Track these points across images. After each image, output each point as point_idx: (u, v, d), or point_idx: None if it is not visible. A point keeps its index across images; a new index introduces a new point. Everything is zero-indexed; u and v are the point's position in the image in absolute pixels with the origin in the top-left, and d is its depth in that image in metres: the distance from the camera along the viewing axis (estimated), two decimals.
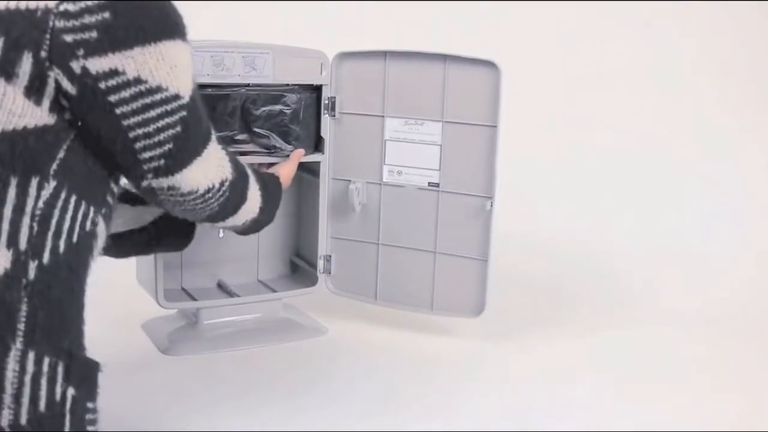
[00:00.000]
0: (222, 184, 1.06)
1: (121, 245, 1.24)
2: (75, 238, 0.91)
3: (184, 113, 0.96)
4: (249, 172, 1.16)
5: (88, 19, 0.87)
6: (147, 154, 0.95)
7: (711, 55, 2.27)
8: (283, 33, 1.78)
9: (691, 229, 2.05)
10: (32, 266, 0.86)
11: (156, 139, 0.94)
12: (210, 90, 1.38)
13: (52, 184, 0.88)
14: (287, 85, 1.45)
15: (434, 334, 1.54)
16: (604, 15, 2.32)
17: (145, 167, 0.96)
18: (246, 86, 1.42)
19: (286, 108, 1.44)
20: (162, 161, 0.96)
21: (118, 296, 1.56)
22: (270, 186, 1.25)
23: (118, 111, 0.91)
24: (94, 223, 0.94)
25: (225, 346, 1.47)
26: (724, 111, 2.23)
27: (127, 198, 1.21)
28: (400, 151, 1.49)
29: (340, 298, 1.58)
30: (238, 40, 1.42)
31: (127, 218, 1.23)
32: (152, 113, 0.93)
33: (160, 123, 0.94)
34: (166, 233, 1.28)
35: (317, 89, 1.49)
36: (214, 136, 1.05)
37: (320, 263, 1.56)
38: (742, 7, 2.23)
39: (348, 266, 1.56)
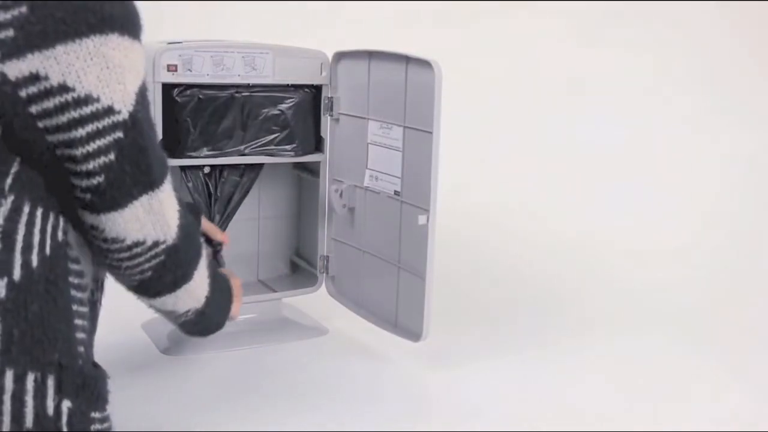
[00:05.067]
0: (155, 244, 0.89)
1: None
2: (48, 251, 0.82)
3: (119, 134, 0.81)
4: (203, 252, 1.00)
5: (2, 17, 0.76)
6: (74, 181, 0.83)
7: (704, 52, 2.28)
8: (283, 33, 1.78)
9: (684, 229, 2.05)
10: (2, 284, 0.79)
11: (83, 167, 0.81)
12: (211, 91, 1.38)
13: (10, 199, 0.79)
14: (287, 85, 1.45)
15: (434, 333, 1.53)
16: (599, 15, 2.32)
17: (71, 194, 0.84)
18: (246, 86, 1.42)
19: (287, 108, 1.45)
20: (87, 196, 0.83)
21: (118, 296, 1.56)
22: (221, 281, 1.09)
23: (40, 125, 0.78)
24: (66, 232, 0.85)
25: (225, 346, 1.47)
26: (718, 109, 2.23)
27: None
28: (379, 155, 1.43)
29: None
30: (238, 40, 1.42)
31: None
32: (81, 132, 0.79)
33: (90, 147, 0.80)
34: None
35: (317, 89, 1.49)
36: (168, 184, 0.89)
37: (319, 263, 1.56)
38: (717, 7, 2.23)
39: (345, 269, 1.55)
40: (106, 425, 0.88)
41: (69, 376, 0.83)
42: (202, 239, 1.01)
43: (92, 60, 0.78)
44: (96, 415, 0.86)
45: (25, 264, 0.80)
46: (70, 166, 0.81)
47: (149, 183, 0.86)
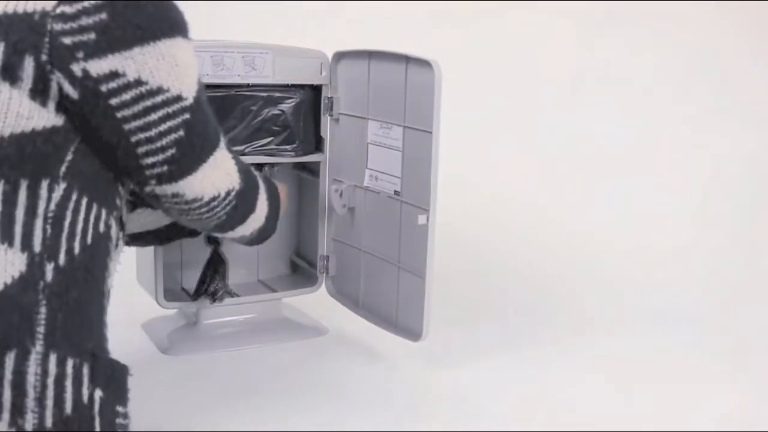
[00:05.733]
0: (228, 193, 1.04)
1: (132, 241, 1.27)
2: (89, 240, 0.90)
3: (187, 116, 0.94)
4: (260, 182, 1.15)
5: (85, 21, 0.86)
6: (149, 160, 0.93)
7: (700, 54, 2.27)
8: (283, 33, 1.78)
9: (685, 229, 2.05)
10: (49, 268, 0.85)
11: (158, 144, 0.92)
12: (212, 91, 1.38)
13: (62, 185, 0.88)
14: (287, 85, 1.45)
15: (434, 333, 1.53)
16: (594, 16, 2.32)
17: (148, 173, 0.95)
18: (246, 86, 1.42)
19: (287, 108, 1.45)
20: (165, 167, 0.94)
21: (118, 296, 1.55)
22: (274, 193, 1.23)
23: (119, 114, 0.89)
24: (108, 226, 0.93)
25: (225, 346, 1.47)
26: (718, 109, 2.23)
27: (148, 203, 1.19)
28: (379, 155, 1.43)
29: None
30: (238, 40, 1.43)
31: (144, 221, 1.23)
32: (154, 116, 0.91)
33: (162, 127, 0.92)
34: (178, 233, 1.29)
35: (317, 89, 1.49)
36: (222, 143, 1.03)
37: (319, 263, 1.56)
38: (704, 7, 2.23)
39: (345, 269, 1.55)
40: (126, 421, 0.91)
41: (100, 366, 0.88)
42: (256, 173, 1.15)
43: (164, 59, 0.90)
44: (120, 409, 0.90)
45: (69, 250, 0.88)
46: (147, 147, 0.92)
47: (212, 147, 0.99)
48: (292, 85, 1.46)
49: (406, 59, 1.34)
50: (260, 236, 1.21)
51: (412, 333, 1.38)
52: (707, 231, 2.03)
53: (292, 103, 1.45)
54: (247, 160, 1.44)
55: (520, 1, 2.35)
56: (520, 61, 2.36)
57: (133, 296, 1.50)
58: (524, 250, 1.99)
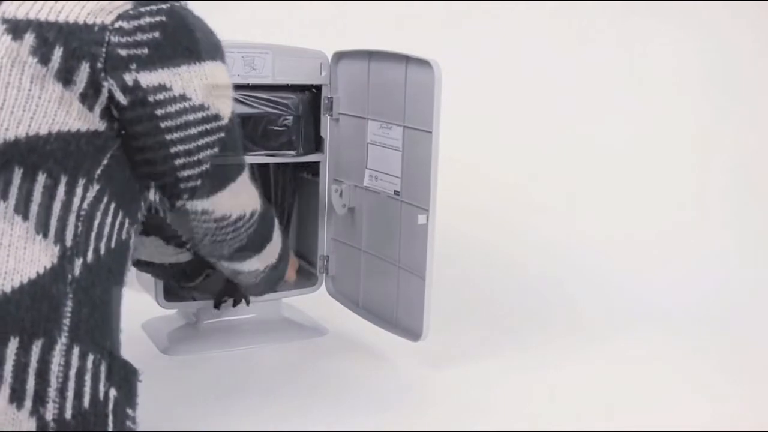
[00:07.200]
0: (252, 214, 1.10)
1: (134, 264, 1.30)
2: (113, 244, 0.95)
3: (222, 134, 1.00)
4: (274, 214, 1.20)
5: (140, 37, 0.93)
6: (185, 173, 0.99)
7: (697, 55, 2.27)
8: (283, 33, 1.78)
9: (685, 229, 2.05)
10: (77, 263, 0.90)
11: (195, 157, 0.99)
12: None
13: (96, 187, 0.92)
14: (287, 85, 1.45)
15: (434, 333, 1.53)
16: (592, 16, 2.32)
17: (182, 186, 1.00)
18: (246, 86, 1.42)
19: (287, 109, 1.45)
20: (198, 181, 1.00)
21: None
22: (286, 242, 1.27)
23: (162, 125, 0.95)
24: (129, 235, 0.98)
25: (225, 346, 1.47)
26: (716, 108, 2.23)
27: (163, 234, 1.25)
28: (379, 155, 1.43)
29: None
30: (238, 40, 1.42)
31: (153, 250, 1.27)
32: (194, 130, 0.97)
33: (200, 141, 0.98)
34: (177, 277, 1.35)
35: (317, 89, 1.49)
36: (247, 166, 1.09)
37: (319, 263, 1.56)
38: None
39: (345, 269, 1.55)
40: (135, 426, 0.93)
41: (116, 366, 0.91)
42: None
43: (207, 79, 0.97)
44: (130, 412, 0.92)
45: (96, 249, 0.92)
46: (185, 159, 0.98)
47: (241, 167, 1.07)
48: (292, 85, 1.46)
49: (406, 59, 1.35)
50: (269, 279, 1.26)
51: (412, 333, 1.38)
52: (707, 230, 2.03)
53: (292, 104, 1.45)
54: (248, 160, 1.44)
55: (521, 0, 2.35)
56: (521, 61, 2.36)
57: (133, 296, 1.50)
58: (524, 250, 1.99)
